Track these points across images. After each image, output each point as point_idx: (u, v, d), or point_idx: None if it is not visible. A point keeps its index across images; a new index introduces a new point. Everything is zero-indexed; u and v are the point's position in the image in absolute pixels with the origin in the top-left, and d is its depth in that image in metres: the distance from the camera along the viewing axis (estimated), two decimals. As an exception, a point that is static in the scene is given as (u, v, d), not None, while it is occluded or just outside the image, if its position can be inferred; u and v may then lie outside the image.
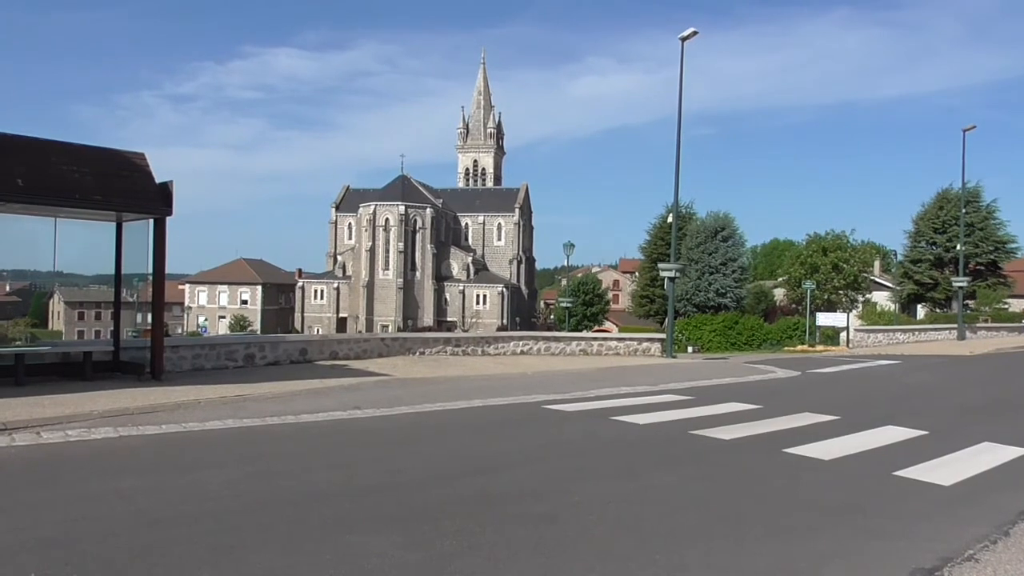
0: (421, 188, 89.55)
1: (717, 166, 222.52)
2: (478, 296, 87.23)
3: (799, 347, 32.07)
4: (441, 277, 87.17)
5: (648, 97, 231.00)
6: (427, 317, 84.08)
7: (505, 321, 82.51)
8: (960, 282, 36.88)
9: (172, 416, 8.61)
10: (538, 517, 5.14)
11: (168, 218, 10.99)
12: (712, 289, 42.31)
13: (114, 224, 11.55)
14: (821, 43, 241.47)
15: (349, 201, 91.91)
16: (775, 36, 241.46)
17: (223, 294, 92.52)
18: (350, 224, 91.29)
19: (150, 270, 11.55)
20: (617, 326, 61.59)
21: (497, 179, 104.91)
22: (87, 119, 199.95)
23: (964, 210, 41.07)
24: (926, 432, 8.93)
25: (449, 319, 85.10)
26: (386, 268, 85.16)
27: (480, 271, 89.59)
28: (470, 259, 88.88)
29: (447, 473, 6.45)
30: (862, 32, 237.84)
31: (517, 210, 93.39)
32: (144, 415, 8.57)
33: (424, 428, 8.82)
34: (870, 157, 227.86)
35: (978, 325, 40.40)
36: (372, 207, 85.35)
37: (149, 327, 11.82)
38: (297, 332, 77.69)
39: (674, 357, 21.50)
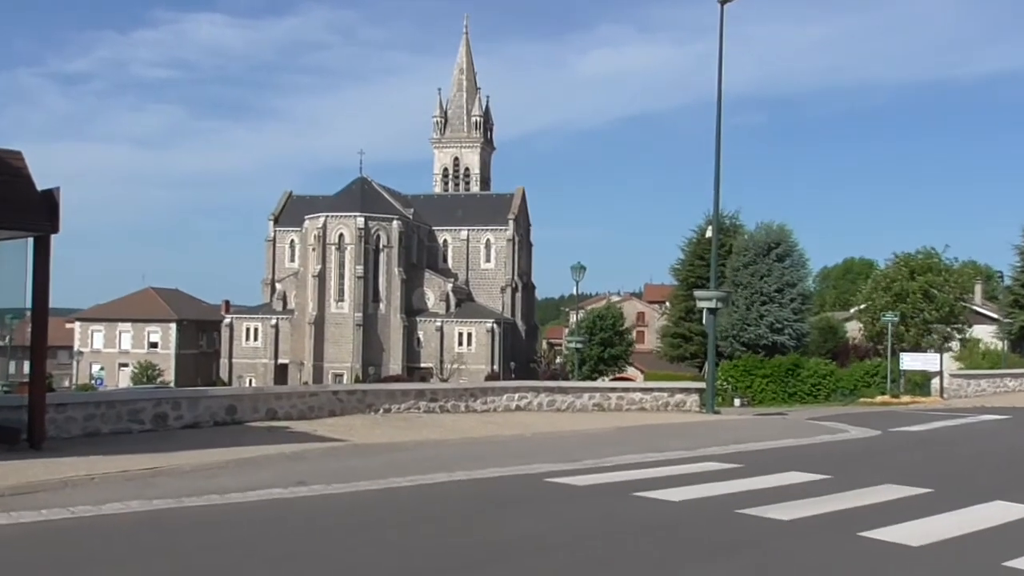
0: (386, 195, 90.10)
1: (770, 164, 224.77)
2: (461, 335, 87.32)
3: (879, 398, 32.17)
4: (412, 310, 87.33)
5: (678, 75, 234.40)
6: (394, 362, 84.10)
7: (496, 367, 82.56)
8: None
9: (58, 498, 8.57)
10: (539, 626, 5.12)
11: (53, 235, 11.03)
12: (765, 323, 42.41)
13: (-19, 244, 11.57)
14: (905, 4, 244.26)
15: (292, 212, 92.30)
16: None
17: (125, 334, 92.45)
18: (293, 242, 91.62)
19: (28, 304, 11.52)
20: (642, 372, 61.66)
21: (484, 182, 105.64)
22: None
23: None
24: (1046, 509, 8.94)
25: (423, 365, 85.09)
26: (340, 299, 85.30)
27: (463, 302, 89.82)
28: (450, 286, 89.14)
29: (419, 568, 6.44)
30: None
31: (511, 222, 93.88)
32: (19, 497, 8.53)
33: (390, 509, 8.82)
34: (968, 150, 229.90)
35: (1113, 368, 40.56)
36: (322, 219, 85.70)
37: (26, 379, 11.77)
38: (224, 383, 77.52)
39: (716, 412, 21.53)
